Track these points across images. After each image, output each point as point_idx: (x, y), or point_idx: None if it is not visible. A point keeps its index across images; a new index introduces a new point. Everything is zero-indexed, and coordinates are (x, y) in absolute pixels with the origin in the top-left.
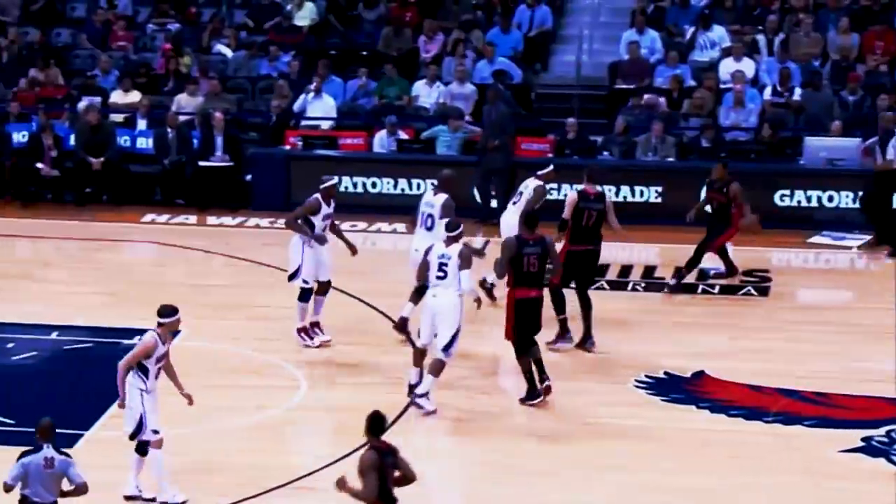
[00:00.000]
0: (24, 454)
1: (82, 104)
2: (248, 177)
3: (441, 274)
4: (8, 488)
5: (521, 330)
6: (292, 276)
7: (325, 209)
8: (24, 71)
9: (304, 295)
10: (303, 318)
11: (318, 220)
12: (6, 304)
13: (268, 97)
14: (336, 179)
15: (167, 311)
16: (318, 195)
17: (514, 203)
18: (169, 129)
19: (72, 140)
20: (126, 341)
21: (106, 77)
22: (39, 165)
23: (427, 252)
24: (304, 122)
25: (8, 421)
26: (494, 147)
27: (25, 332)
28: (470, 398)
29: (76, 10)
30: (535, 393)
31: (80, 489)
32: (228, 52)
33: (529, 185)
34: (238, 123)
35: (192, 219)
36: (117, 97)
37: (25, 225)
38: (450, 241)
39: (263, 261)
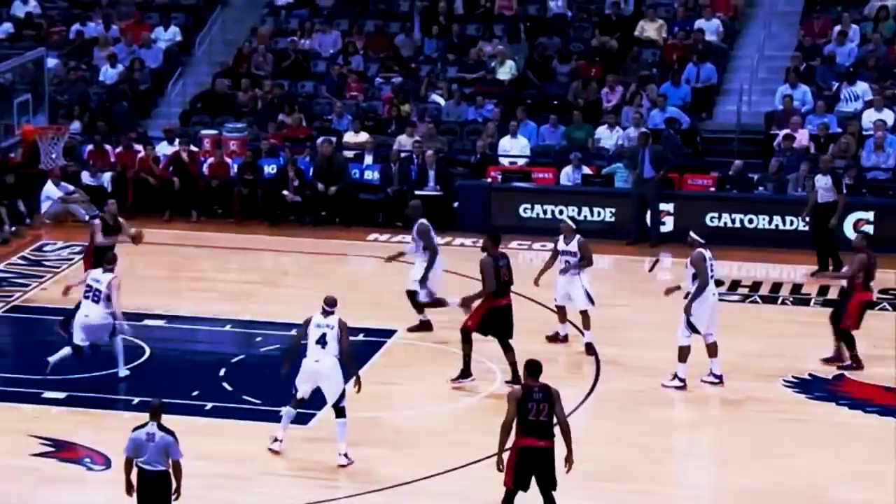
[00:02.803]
0: (134, 429)
1: (320, 141)
2: (456, 204)
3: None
4: (128, 461)
5: (483, 328)
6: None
7: None
8: (274, 116)
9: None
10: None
11: None
12: (256, 306)
13: (474, 138)
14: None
15: None
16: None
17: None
18: (392, 164)
19: (311, 172)
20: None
21: (340, 121)
22: (285, 193)
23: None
24: (503, 159)
25: (256, 401)
26: (649, 179)
27: (270, 328)
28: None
29: (318, 66)
30: (468, 374)
31: (175, 465)
32: (442, 101)
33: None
34: (448, 160)
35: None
36: (349, 137)
37: (272, 241)
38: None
39: (466, 273)
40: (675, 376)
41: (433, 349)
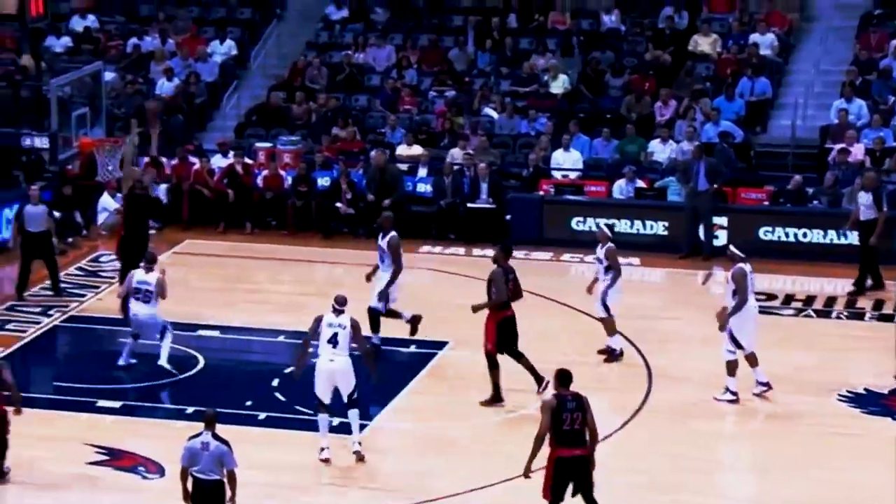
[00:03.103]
0: (189, 438)
1: (373, 152)
2: (508, 216)
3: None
4: (183, 470)
5: (502, 343)
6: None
7: None
8: (328, 129)
9: None
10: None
11: None
12: (310, 316)
13: (526, 151)
14: None
15: None
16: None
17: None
18: (445, 177)
19: (364, 183)
20: (403, 349)
21: (393, 133)
22: (338, 205)
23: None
24: (555, 172)
25: (308, 411)
26: (703, 192)
27: None
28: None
29: (372, 80)
30: (499, 398)
31: (230, 475)
32: (495, 115)
33: None
34: (501, 173)
35: (461, 250)
36: (402, 150)
37: (325, 253)
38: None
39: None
40: (727, 390)
41: (484, 361)
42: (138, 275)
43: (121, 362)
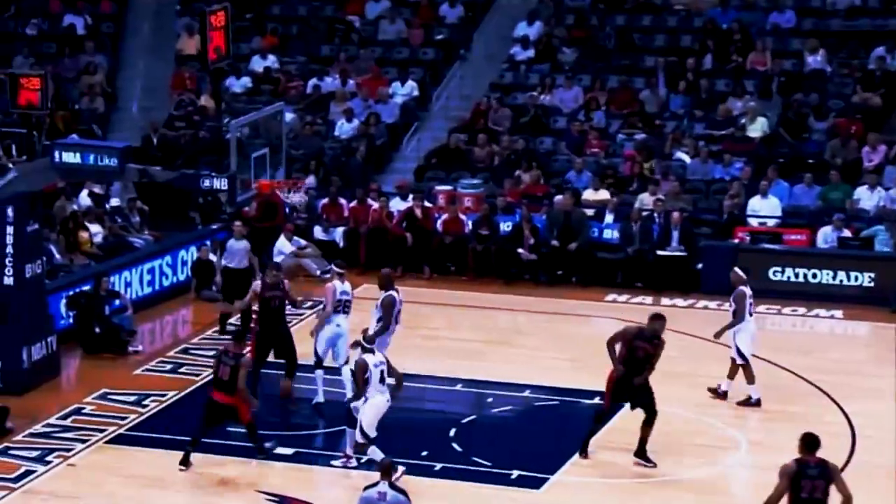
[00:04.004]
0: (365, 488)
1: (558, 198)
2: (700, 265)
3: None
4: None
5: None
6: None
7: None
8: (511, 172)
9: None
10: None
11: None
12: (489, 365)
13: (720, 197)
14: None
15: None
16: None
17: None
18: (633, 223)
19: (546, 227)
20: (587, 401)
21: (579, 178)
22: (520, 250)
23: None
24: (751, 220)
25: (486, 463)
26: None
27: (503, 389)
28: None
29: (558, 122)
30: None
31: None
32: (687, 159)
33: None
34: (693, 220)
35: (649, 300)
36: (588, 195)
37: (506, 300)
38: None
39: (711, 338)
40: None
41: (669, 413)
42: (339, 286)
43: (319, 399)
